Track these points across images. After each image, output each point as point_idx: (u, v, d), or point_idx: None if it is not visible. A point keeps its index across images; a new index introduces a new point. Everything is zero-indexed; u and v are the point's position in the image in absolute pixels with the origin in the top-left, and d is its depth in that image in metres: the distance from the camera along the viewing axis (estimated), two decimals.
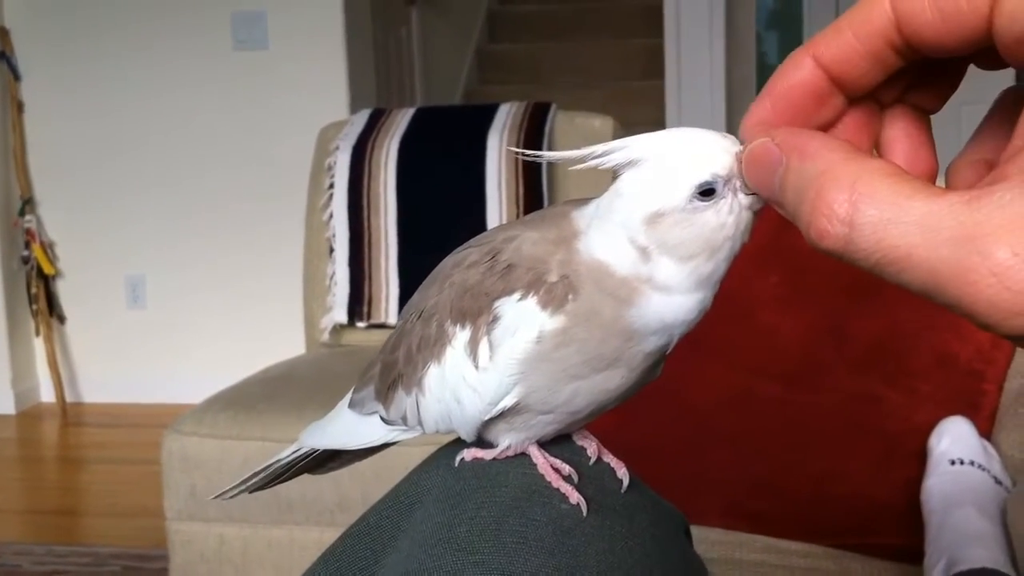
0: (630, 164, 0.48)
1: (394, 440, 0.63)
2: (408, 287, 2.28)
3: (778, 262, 1.43)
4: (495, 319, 0.53)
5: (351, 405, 0.65)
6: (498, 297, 0.53)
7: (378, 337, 2.27)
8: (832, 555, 1.30)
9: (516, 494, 0.55)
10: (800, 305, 1.42)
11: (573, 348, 0.51)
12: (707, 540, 1.30)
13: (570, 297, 0.51)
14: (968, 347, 1.37)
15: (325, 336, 2.35)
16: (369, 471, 1.73)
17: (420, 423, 0.59)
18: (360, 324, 2.33)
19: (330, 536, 1.86)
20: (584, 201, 0.54)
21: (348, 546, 0.61)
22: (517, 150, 0.52)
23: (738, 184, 0.47)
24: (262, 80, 3.68)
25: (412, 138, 2.37)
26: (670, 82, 4.26)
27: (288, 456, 0.67)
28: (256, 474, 0.68)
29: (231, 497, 0.69)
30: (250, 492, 0.69)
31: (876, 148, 0.42)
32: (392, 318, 2.30)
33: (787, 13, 5.52)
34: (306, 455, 0.67)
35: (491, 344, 0.53)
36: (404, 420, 0.60)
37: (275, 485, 0.70)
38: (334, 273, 2.34)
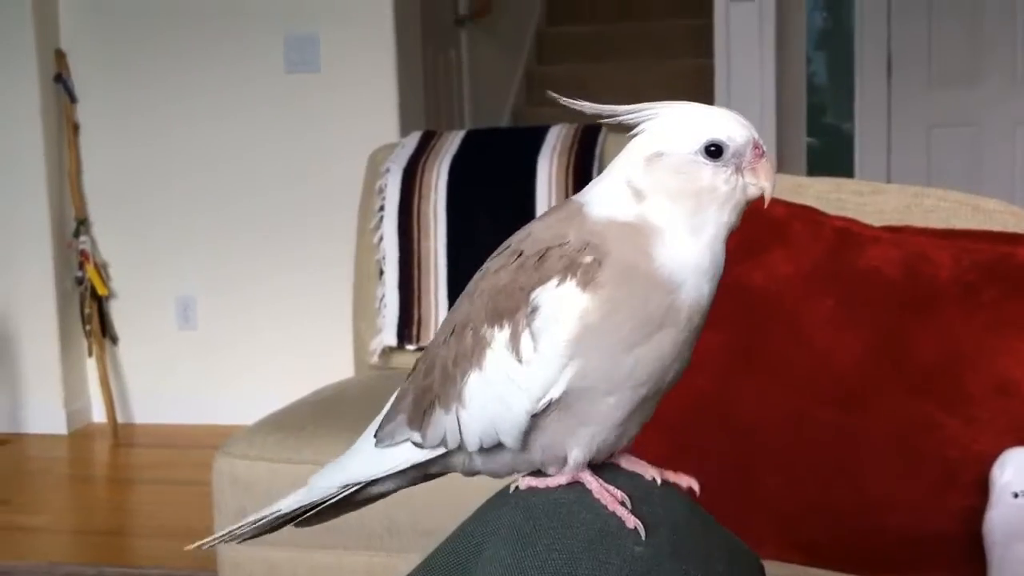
0: (653, 119, 0.55)
1: (426, 459, 0.62)
2: None
3: (834, 284, 1.41)
4: (534, 310, 0.53)
5: (378, 443, 0.64)
6: (534, 288, 0.54)
7: None
8: None
9: (588, 535, 0.54)
10: (856, 328, 1.40)
11: (622, 314, 0.52)
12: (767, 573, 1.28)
13: (600, 264, 0.52)
14: None
15: (374, 358, 2.35)
16: (419, 496, 1.72)
17: (462, 440, 0.58)
18: (410, 347, 2.33)
19: (379, 561, 1.86)
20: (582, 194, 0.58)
21: None
22: (556, 95, 0.61)
23: (745, 164, 0.50)
24: (314, 102, 3.71)
25: (462, 160, 2.37)
26: (719, 103, 4.24)
27: (292, 507, 0.66)
28: (250, 524, 0.67)
29: (209, 547, 0.69)
30: (239, 543, 0.69)
31: None
32: None
33: (837, 32, 5.48)
34: (322, 500, 0.66)
35: (533, 335, 0.53)
36: (444, 442, 0.59)
37: (305, 524, 0.69)
38: (384, 295, 2.34)
